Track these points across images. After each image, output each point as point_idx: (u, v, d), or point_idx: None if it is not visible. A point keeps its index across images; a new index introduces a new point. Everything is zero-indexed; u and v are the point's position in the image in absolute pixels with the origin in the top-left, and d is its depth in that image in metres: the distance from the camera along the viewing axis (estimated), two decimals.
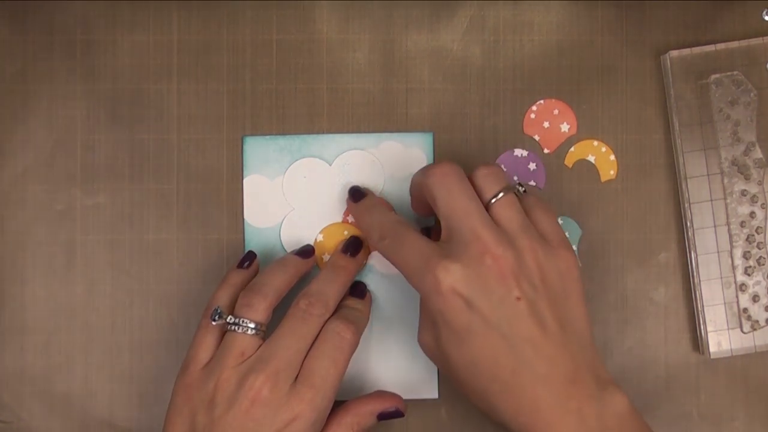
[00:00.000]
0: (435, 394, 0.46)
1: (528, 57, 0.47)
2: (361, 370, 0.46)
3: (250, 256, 0.44)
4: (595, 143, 0.47)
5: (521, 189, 0.41)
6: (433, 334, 0.40)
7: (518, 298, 0.37)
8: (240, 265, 0.44)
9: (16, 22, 0.46)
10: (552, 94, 0.47)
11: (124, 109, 0.46)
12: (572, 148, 0.47)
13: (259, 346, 0.40)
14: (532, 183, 0.46)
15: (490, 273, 0.37)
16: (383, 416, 0.42)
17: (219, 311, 0.41)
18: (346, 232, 0.46)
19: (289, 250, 0.46)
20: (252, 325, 0.40)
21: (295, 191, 0.46)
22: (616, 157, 0.47)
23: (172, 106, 0.46)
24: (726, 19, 0.47)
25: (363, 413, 0.42)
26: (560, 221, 0.46)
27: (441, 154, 0.46)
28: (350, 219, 0.46)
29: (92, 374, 0.46)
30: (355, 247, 0.45)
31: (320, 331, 0.41)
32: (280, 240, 0.46)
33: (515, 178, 0.46)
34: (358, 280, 0.45)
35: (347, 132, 0.46)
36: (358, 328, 0.42)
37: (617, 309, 0.46)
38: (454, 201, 0.39)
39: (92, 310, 0.46)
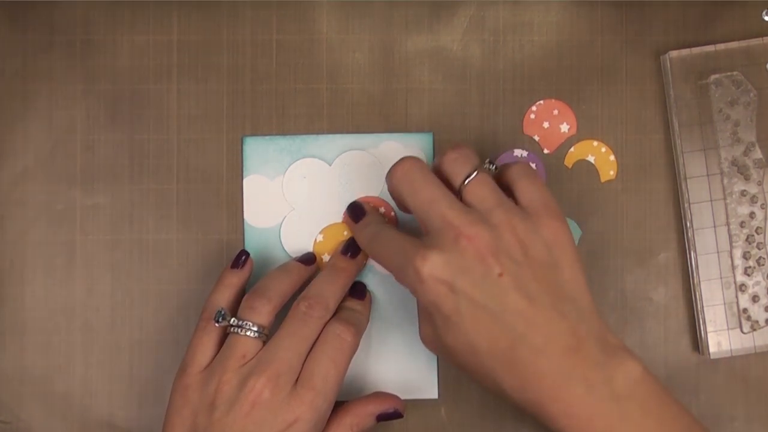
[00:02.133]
0: (435, 394, 0.46)
1: (528, 57, 0.47)
2: (361, 371, 0.46)
3: (243, 254, 0.44)
4: (595, 143, 0.47)
5: (492, 167, 0.41)
6: (430, 326, 0.40)
7: (500, 274, 0.37)
8: (234, 265, 0.44)
9: (16, 21, 0.46)
10: (552, 95, 0.47)
11: (124, 109, 0.46)
12: (572, 149, 0.47)
13: (261, 349, 0.40)
14: None
15: (467, 254, 0.37)
16: (382, 417, 0.42)
17: (223, 313, 0.41)
18: (345, 233, 0.46)
19: (289, 251, 0.46)
20: (255, 328, 0.40)
21: (295, 191, 0.46)
22: (615, 157, 0.47)
23: (172, 106, 0.46)
24: (726, 19, 0.47)
25: (362, 414, 0.42)
26: None
27: (439, 149, 0.46)
28: None
29: (92, 374, 0.46)
30: (354, 248, 0.45)
31: (321, 333, 0.41)
32: (280, 240, 0.46)
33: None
34: (358, 281, 0.45)
35: (347, 132, 0.46)
36: (358, 329, 0.42)
37: (617, 309, 0.46)
38: (418, 193, 0.39)
39: (92, 310, 0.46)
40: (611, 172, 0.47)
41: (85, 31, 0.46)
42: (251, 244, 0.46)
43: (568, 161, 0.47)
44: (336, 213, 0.46)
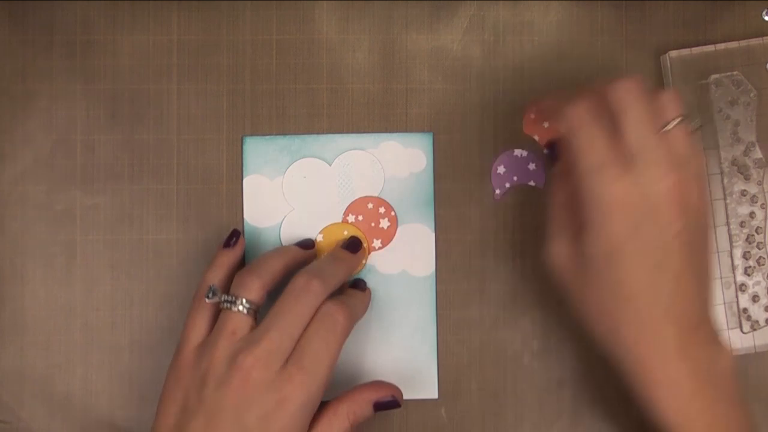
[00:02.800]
0: (435, 394, 0.46)
1: (528, 57, 0.47)
2: (362, 370, 0.46)
3: (235, 233, 0.44)
4: None
5: (697, 124, 0.41)
6: (574, 246, 0.39)
7: (678, 233, 0.37)
8: (226, 245, 0.44)
9: (16, 22, 0.46)
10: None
11: (124, 109, 0.46)
12: None
13: (252, 326, 0.40)
14: (532, 183, 0.46)
15: (662, 198, 0.36)
16: (379, 406, 0.42)
17: (213, 289, 0.41)
18: (345, 232, 0.46)
19: None
20: (246, 304, 0.40)
21: (295, 191, 0.46)
22: None
23: (172, 106, 0.46)
24: (726, 19, 0.47)
25: (359, 401, 0.41)
26: None
27: (440, 154, 0.46)
28: (350, 219, 0.46)
29: (92, 374, 0.46)
30: (355, 246, 0.45)
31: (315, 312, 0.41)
32: (280, 240, 0.46)
33: (515, 178, 0.46)
34: (358, 278, 0.45)
35: (347, 132, 0.46)
36: (353, 313, 0.41)
37: None
38: (632, 112, 0.37)
39: (92, 310, 0.46)
40: None
41: (85, 31, 0.46)
42: (251, 244, 0.46)
43: None
44: (336, 213, 0.46)
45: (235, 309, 0.40)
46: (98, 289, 0.46)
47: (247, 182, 0.46)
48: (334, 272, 0.42)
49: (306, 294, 0.40)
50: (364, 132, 0.46)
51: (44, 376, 0.45)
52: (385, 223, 0.46)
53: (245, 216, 0.46)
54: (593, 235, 0.37)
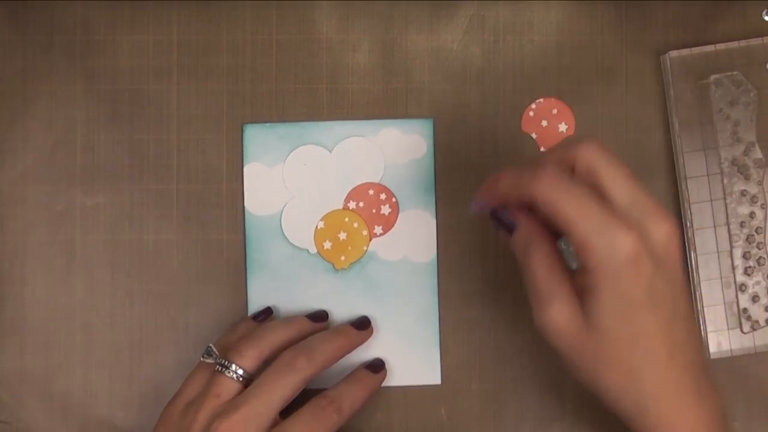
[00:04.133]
0: (438, 380, 0.46)
1: (528, 57, 0.47)
2: (363, 357, 0.46)
3: (267, 312, 0.45)
4: None
5: None
6: (574, 308, 0.37)
7: (682, 277, 0.37)
8: (255, 317, 0.44)
9: (16, 22, 0.46)
10: (552, 94, 0.47)
11: (124, 109, 0.46)
12: None
13: (239, 393, 0.40)
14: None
15: (669, 247, 0.36)
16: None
17: (210, 349, 0.42)
18: (347, 219, 0.46)
19: (289, 238, 0.46)
20: (238, 371, 0.40)
21: (296, 179, 0.46)
22: None
23: (172, 106, 0.46)
24: (726, 19, 0.47)
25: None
26: None
27: (441, 147, 0.46)
28: (351, 206, 0.46)
29: (92, 374, 0.46)
30: (363, 324, 0.45)
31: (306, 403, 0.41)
32: (281, 227, 0.46)
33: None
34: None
35: (347, 119, 0.46)
36: (351, 406, 0.41)
37: None
38: (624, 181, 0.36)
39: (92, 310, 0.46)
40: None
41: (85, 31, 0.46)
42: (252, 232, 0.46)
43: None
44: (337, 200, 0.46)
45: (226, 374, 0.40)
46: (98, 289, 0.46)
47: (248, 170, 0.46)
48: (327, 349, 0.42)
49: (291, 369, 0.40)
50: (365, 119, 0.46)
51: (44, 376, 0.45)
52: (386, 210, 0.46)
53: (246, 204, 0.46)
54: (605, 298, 0.35)
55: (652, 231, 0.36)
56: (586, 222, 0.35)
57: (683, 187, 0.46)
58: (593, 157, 0.36)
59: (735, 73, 0.46)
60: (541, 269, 0.37)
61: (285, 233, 0.46)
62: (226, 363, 0.40)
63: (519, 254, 0.38)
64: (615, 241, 0.35)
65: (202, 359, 0.42)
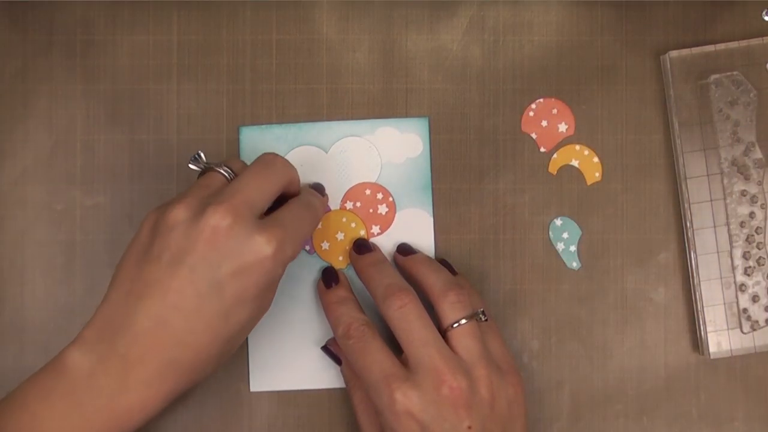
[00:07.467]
0: None
1: (527, 57, 0.47)
2: None
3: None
4: (577, 147, 0.47)
5: (483, 318, 0.42)
6: None
7: (469, 427, 0.38)
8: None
9: (16, 22, 0.46)
10: (552, 94, 0.47)
11: (124, 109, 0.46)
12: (555, 155, 0.46)
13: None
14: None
15: (446, 402, 0.38)
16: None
17: (196, 156, 0.42)
18: (344, 219, 0.46)
19: None
20: (227, 169, 0.40)
21: None
22: (599, 158, 0.47)
23: (172, 106, 0.46)
24: (726, 19, 0.47)
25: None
26: (560, 221, 0.46)
27: (439, 145, 0.46)
28: (348, 206, 0.46)
29: None
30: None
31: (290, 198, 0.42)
32: None
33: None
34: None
35: (343, 119, 0.46)
36: (323, 207, 0.44)
37: (617, 309, 0.46)
38: (412, 331, 0.40)
39: (92, 310, 0.46)
40: (596, 174, 0.47)
41: (85, 31, 0.46)
42: None
43: (552, 168, 0.46)
44: (334, 200, 0.46)
45: (216, 169, 0.40)
46: (98, 289, 0.46)
47: None
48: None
49: (273, 164, 0.40)
50: (360, 119, 0.46)
51: None
52: (383, 209, 0.46)
53: None
54: None
55: (432, 388, 0.39)
56: (371, 374, 0.40)
57: (683, 187, 0.46)
58: (397, 316, 0.41)
59: (735, 73, 0.46)
60: (358, 402, 0.43)
61: None
62: (217, 164, 0.41)
63: (345, 383, 0.45)
64: (390, 395, 0.39)
65: (190, 166, 0.41)
